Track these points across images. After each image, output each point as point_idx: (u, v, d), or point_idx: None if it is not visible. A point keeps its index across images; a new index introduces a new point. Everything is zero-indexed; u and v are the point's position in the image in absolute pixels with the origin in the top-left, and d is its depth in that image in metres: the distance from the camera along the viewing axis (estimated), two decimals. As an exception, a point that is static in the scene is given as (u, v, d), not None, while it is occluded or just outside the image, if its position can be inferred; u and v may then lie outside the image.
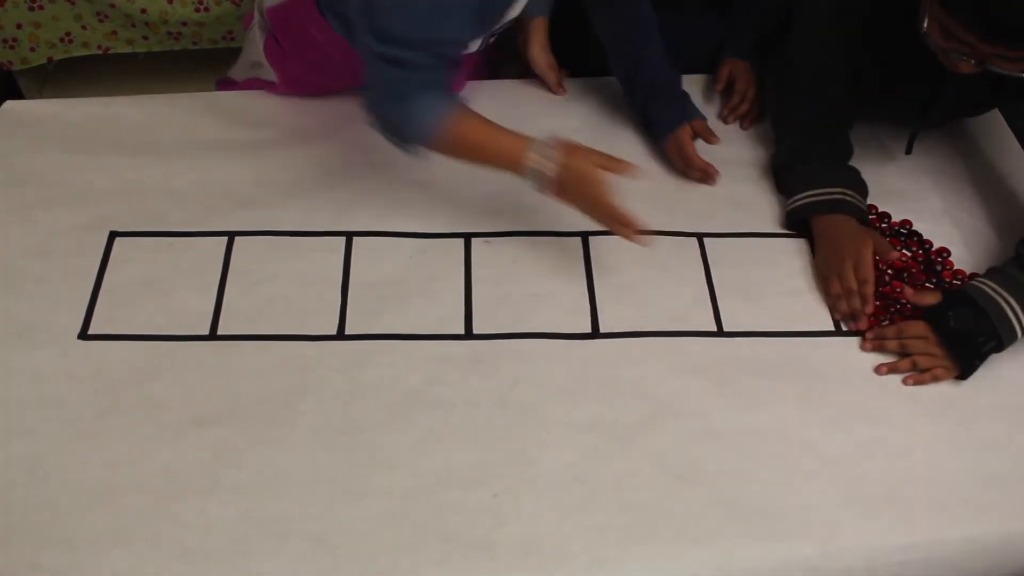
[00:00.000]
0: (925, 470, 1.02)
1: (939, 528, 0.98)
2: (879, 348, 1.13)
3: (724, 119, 1.44)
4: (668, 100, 1.37)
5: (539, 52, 1.46)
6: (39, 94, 2.21)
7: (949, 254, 1.26)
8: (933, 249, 1.26)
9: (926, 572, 0.98)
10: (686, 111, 1.37)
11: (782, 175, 1.32)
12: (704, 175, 1.33)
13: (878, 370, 1.11)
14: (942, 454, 1.04)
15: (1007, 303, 1.09)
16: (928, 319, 1.13)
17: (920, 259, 1.26)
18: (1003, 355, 1.11)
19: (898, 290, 1.19)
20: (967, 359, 1.10)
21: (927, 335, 1.11)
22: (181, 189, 1.27)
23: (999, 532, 0.98)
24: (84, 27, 2.04)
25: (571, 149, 1.09)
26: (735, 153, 1.38)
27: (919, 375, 1.10)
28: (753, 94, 1.43)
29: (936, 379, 1.10)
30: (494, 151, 1.12)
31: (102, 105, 1.38)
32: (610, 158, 1.10)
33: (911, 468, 1.02)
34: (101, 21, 2.04)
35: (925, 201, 1.34)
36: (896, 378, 1.11)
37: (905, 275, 1.22)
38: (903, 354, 1.12)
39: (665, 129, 1.35)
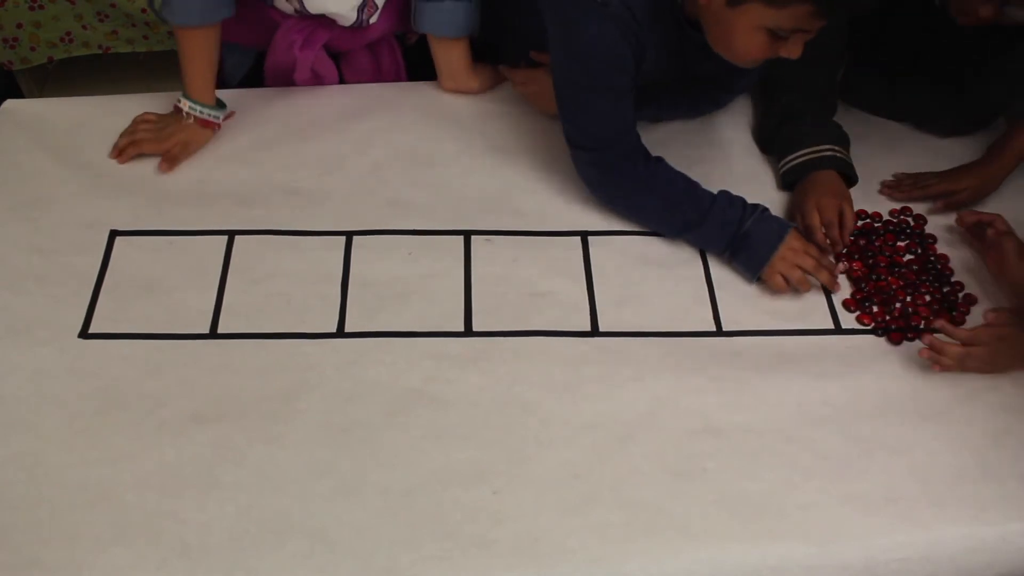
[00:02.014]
0: (924, 468, 1.02)
1: (938, 526, 0.98)
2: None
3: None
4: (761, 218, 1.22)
5: (474, 80, 1.43)
6: (39, 94, 2.21)
7: (948, 260, 1.26)
8: (934, 246, 1.27)
9: (925, 570, 0.98)
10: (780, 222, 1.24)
11: (776, 135, 1.35)
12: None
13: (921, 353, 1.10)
14: (941, 452, 1.04)
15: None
16: None
17: (919, 256, 1.26)
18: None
19: (894, 287, 1.20)
20: None
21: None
22: (181, 188, 1.27)
23: (998, 531, 0.98)
24: (84, 27, 2.05)
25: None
26: (734, 151, 1.39)
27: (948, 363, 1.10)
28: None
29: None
30: None
31: (103, 104, 1.38)
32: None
33: (910, 466, 1.02)
34: (101, 21, 2.05)
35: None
36: (895, 377, 1.11)
37: (897, 270, 1.23)
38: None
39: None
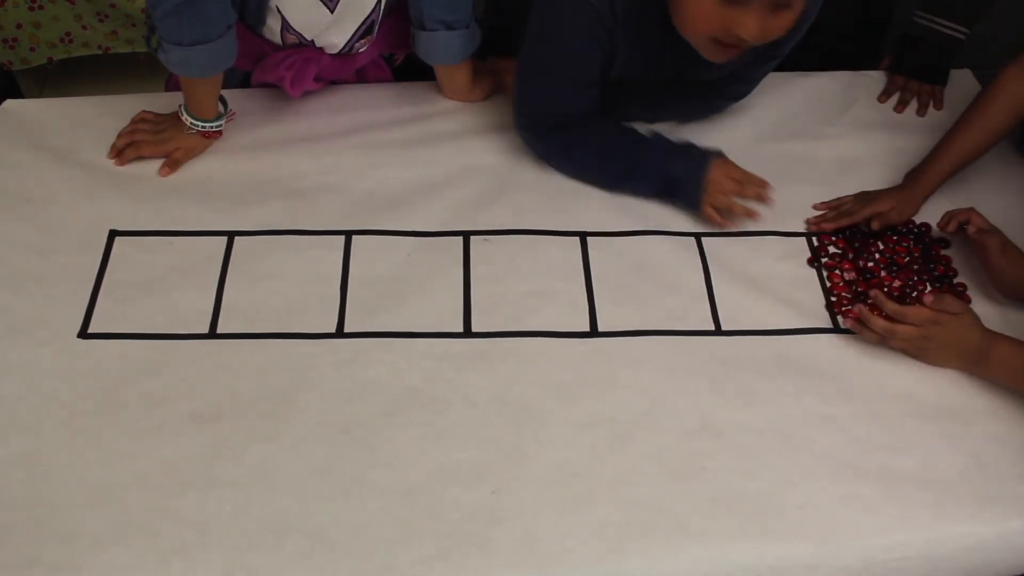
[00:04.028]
0: (922, 467, 1.02)
1: (937, 526, 0.98)
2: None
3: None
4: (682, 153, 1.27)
5: (475, 94, 1.43)
6: (39, 94, 2.21)
7: (950, 262, 1.26)
8: (936, 247, 1.28)
9: (923, 570, 0.98)
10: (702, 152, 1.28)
11: None
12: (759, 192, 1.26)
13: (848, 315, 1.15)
14: (939, 451, 1.04)
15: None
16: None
17: (919, 257, 1.26)
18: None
19: (887, 285, 1.21)
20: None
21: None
22: (181, 188, 1.27)
23: (997, 530, 0.98)
24: (84, 27, 2.05)
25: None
26: (731, 151, 1.39)
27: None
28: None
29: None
30: None
31: (102, 104, 1.38)
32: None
33: (908, 465, 1.02)
34: (101, 21, 2.04)
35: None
36: (895, 376, 1.11)
37: (896, 269, 1.23)
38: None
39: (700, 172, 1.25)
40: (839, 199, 1.32)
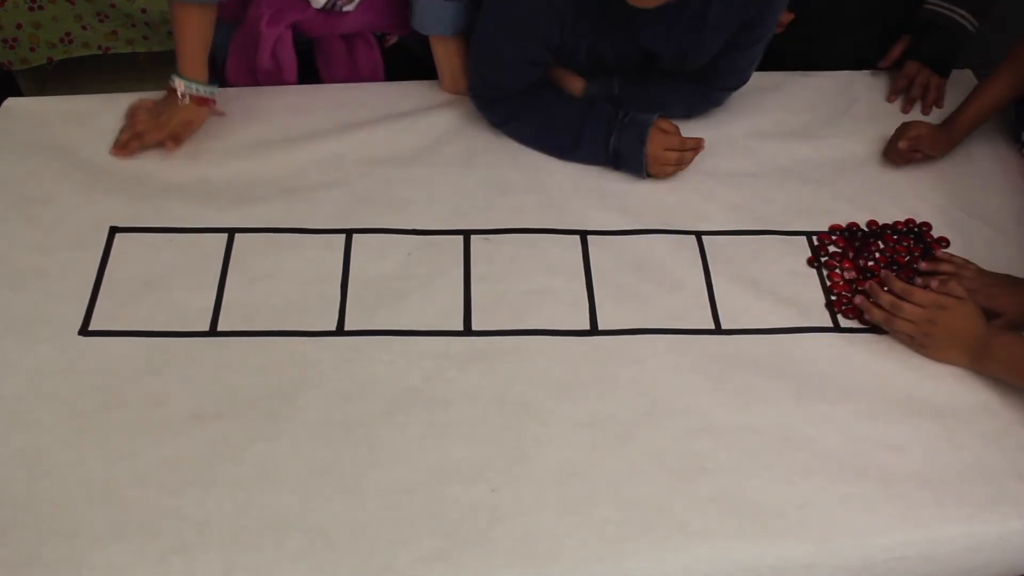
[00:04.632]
0: (922, 467, 1.02)
1: (936, 525, 0.98)
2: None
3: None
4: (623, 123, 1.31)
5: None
6: (39, 94, 2.19)
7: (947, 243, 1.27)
8: (938, 246, 1.28)
9: (922, 569, 0.98)
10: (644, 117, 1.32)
11: None
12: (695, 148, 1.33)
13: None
14: (939, 451, 1.04)
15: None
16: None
17: (917, 253, 1.26)
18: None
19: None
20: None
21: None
22: (182, 186, 1.27)
23: (996, 530, 0.98)
24: (84, 27, 2.05)
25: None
26: (731, 151, 1.39)
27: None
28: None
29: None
30: None
31: (103, 102, 1.38)
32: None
33: (908, 465, 1.02)
34: (101, 21, 2.04)
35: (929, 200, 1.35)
36: (894, 375, 1.11)
37: (895, 268, 1.23)
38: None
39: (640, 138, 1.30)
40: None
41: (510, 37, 1.27)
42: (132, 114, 1.32)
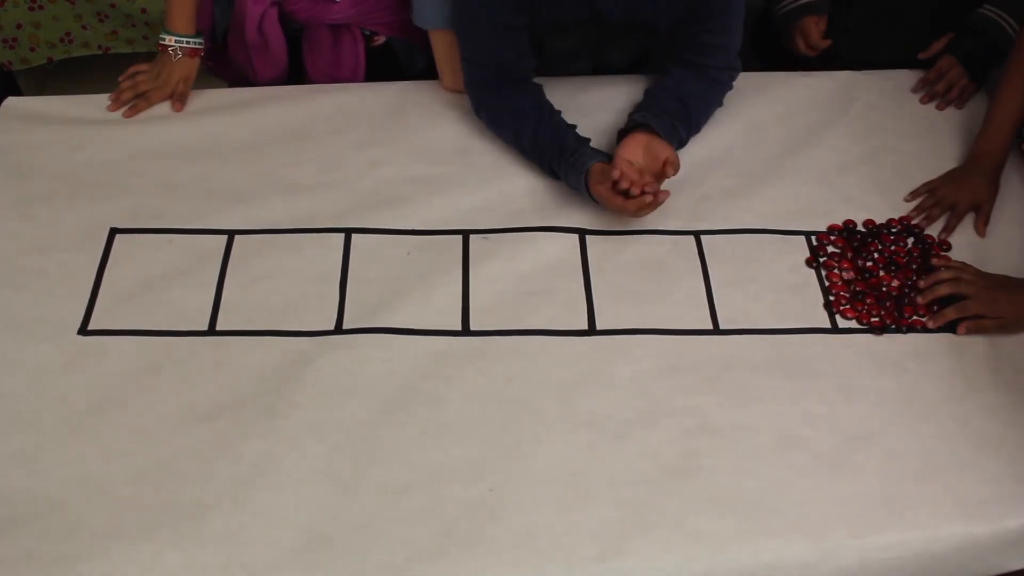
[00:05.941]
0: (919, 467, 1.02)
1: (933, 526, 0.98)
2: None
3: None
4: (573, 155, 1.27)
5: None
6: (39, 94, 2.20)
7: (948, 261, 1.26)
8: (937, 247, 1.28)
9: (919, 570, 0.98)
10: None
11: None
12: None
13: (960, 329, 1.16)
14: (936, 451, 1.04)
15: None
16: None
17: (916, 253, 1.26)
18: (999, 355, 1.13)
19: (885, 284, 1.21)
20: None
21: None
22: (181, 186, 1.28)
23: (993, 530, 0.98)
24: (84, 27, 2.05)
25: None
26: (731, 150, 1.39)
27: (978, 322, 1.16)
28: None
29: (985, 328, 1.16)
30: None
31: (102, 102, 1.38)
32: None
33: (905, 465, 1.02)
34: (101, 21, 2.05)
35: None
36: (890, 376, 1.11)
37: (894, 269, 1.23)
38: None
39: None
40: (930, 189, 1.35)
41: (483, 2, 1.27)
42: (131, 75, 1.39)
